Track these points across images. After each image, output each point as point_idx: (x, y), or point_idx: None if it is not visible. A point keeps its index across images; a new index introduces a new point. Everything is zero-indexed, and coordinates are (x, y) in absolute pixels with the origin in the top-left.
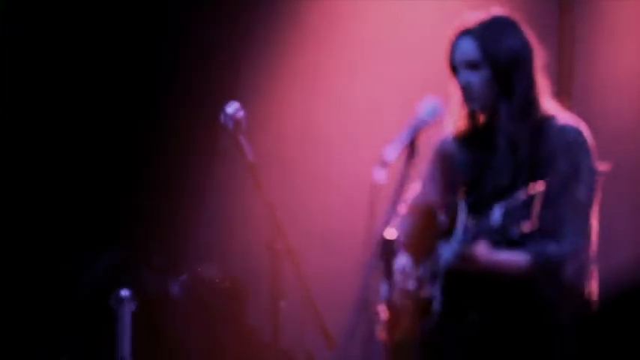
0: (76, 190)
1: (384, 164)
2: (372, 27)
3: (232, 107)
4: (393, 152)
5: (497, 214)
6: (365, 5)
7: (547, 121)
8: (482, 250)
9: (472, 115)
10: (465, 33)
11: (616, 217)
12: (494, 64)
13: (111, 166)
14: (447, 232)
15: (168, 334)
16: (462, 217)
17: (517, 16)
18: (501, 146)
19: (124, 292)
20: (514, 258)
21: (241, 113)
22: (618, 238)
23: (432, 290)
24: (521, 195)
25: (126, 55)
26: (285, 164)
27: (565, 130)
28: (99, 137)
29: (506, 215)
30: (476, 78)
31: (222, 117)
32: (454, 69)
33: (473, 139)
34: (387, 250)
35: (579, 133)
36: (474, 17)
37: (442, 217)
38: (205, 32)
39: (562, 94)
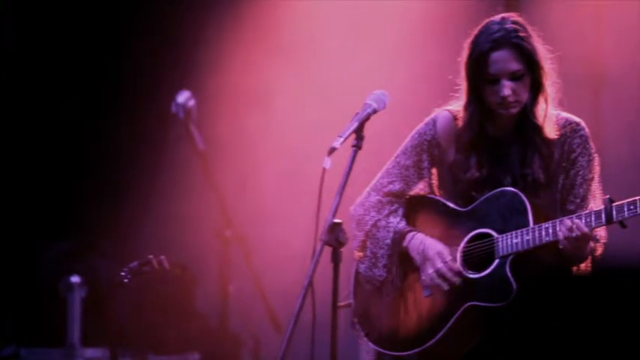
0: (26, 180)
1: (331, 151)
2: (327, 24)
3: (183, 96)
4: (341, 140)
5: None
6: (319, 6)
7: (555, 116)
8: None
9: (479, 118)
10: (502, 45)
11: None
12: (535, 72)
13: (61, 155)
14: (473, 218)
15: (119, 320)
16: (525, 206)
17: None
18: (535, 144)
19: (74, 279)
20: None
21: (192, 102)
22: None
23: (496, 274)
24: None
25: (77, 45)
26: (234, 153)
27: (575, 124)
28: (50, 127)
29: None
30: (520, 87)
31: (173, 106)
32: (489, 78)
33: (482, 139)
34: (335, 234)
35: (585, 126)
36: (497, 26)
37: (452, 206)
38: (159, 21)
39: None
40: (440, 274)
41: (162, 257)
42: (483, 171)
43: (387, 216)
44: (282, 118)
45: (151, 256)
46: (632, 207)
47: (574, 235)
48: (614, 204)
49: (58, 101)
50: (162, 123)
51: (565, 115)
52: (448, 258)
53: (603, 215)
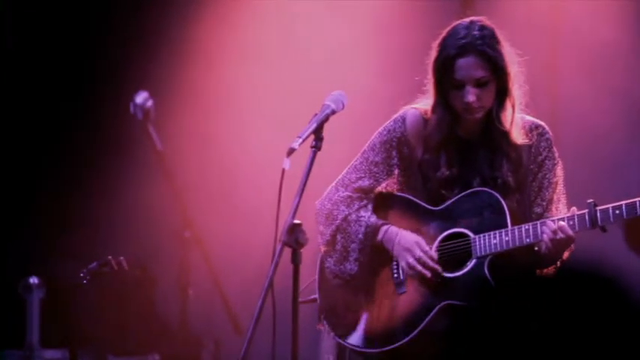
0: None
1: (290, 152)
2: (283, 21)
3: (141, 97)
4: (300, 140)
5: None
6: (286, 5)
7: (521, 119)
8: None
9: (448, 120)
10: (468, 52)
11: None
12: (501, 78)
13: (21, 155)
14: (446, 218)
15: (78, 321)
16: (501, 205)
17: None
18: (503, 149)
19: (33, 280)
20: None
21: (150, 102)
22: None
23: (474, 273)
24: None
25: (38, 46)
26: (194, 153)
27: (540, 127)
28: (8, 127)
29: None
30: (485, 93)
31: (131, 106)
32: (455, 83)
33: (451, 140)
34: (295, 235)
35: (549, 130)
36: (464, 31)
37: (424, 204)
38: (118, 21)
39: None
40: (421, 262)
41: (121, 258)
42: (453, 170)
43: (358, 210)
44: (245, 117)
45: (110, 257)
46: (617, 211)
47: (558, 237)
48: (598, 208)
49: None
50: (122, 123)
51: (530, 118)
52: (427, 247)
53: (587, 219)
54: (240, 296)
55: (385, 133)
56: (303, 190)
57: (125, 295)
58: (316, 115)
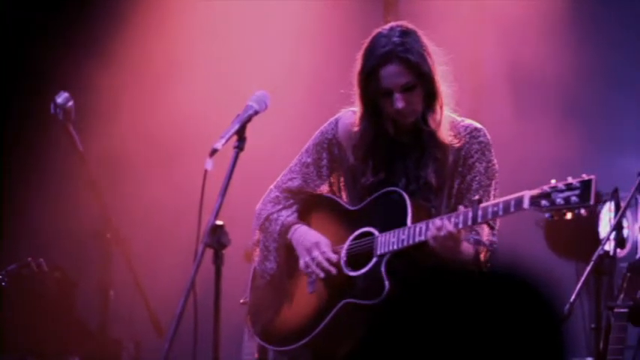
0: None
1: (213, 152)
2: (208, 24)
3: (62, 97)
4: (223, 141)
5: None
6: (198, 4)
7: (454, 122)
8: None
9: (373, 132)
10: (390, 60)
11: None
12: (427, 81)
13: None
14: (360, 217)
15: None
16: (409, 208)
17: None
18: (430, 149)
19: None
20: (470, 249)
21: (71, 103)
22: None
23: (372, 272)
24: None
25: None
26: (116, 154)
27: (475, 130)
28: None
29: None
30: (413, 96)
31: (52, 107)
32: (382, 92)
33: (380, 145)
34: (217, 236)
35: (485, 133)
36: (384, 39)
37: (344, 205)
38: (39, 22)
39: None
40: (316, 262)
41: (41, 260)
42: (380, 175)
43: (280, 210)
44: (165, 117)
45: (30, 259)
46: (495, 209)
47: (442, 234)
48: (480, 205)
49: None
50: (42, 124)
51: (468, 121)
52: (325, 248)
53: (470, 215)
54: (162, 297)
55: (319, 135)
56: (225, 190)
57: (45, 297)
58: (239, 115)
